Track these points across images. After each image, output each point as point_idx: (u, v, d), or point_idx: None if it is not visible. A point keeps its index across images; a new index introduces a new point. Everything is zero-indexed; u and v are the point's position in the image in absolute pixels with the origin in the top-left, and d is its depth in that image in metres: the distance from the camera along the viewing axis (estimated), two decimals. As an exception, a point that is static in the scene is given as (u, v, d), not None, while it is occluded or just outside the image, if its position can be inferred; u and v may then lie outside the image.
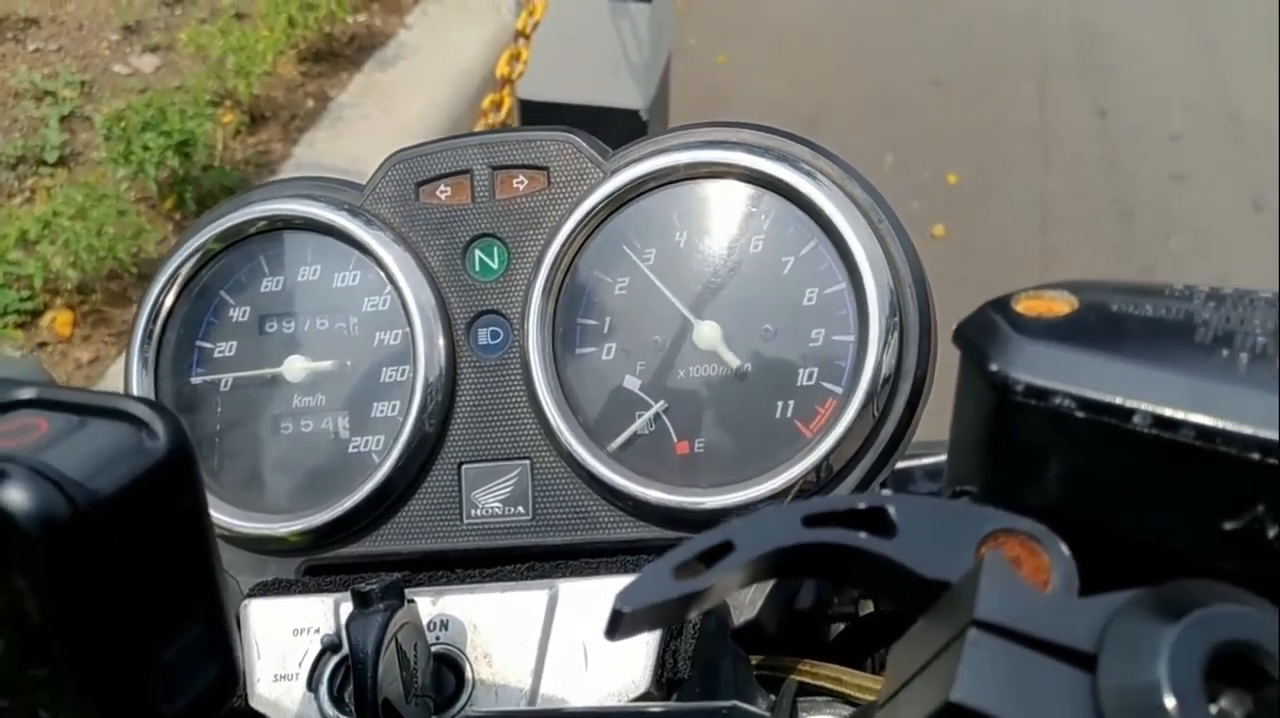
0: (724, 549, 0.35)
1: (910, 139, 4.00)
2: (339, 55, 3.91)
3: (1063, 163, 4.08)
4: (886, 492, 0.91)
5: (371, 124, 3.57)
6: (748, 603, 0.70)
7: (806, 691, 0.68)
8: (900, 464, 1.09)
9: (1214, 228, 3.80)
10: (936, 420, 0.79)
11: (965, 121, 4.21)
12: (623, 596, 0.34)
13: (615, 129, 3.00)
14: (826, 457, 0.69)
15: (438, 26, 4.11)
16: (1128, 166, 4.09)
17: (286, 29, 3.70)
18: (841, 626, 0.87)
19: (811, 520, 0.36)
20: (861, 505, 0.36)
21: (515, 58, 2.52)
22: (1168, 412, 0.36)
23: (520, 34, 2.52)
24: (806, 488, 0.70)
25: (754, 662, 0.70)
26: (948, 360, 0.76)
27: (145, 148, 3.03)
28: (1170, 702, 0.30)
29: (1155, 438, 0.36)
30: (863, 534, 0.36)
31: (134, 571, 0.36)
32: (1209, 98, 4.43)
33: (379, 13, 4.17)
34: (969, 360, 0.40)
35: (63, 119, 3.41)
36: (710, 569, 0.35)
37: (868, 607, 0.93)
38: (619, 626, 0.35)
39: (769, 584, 0.70)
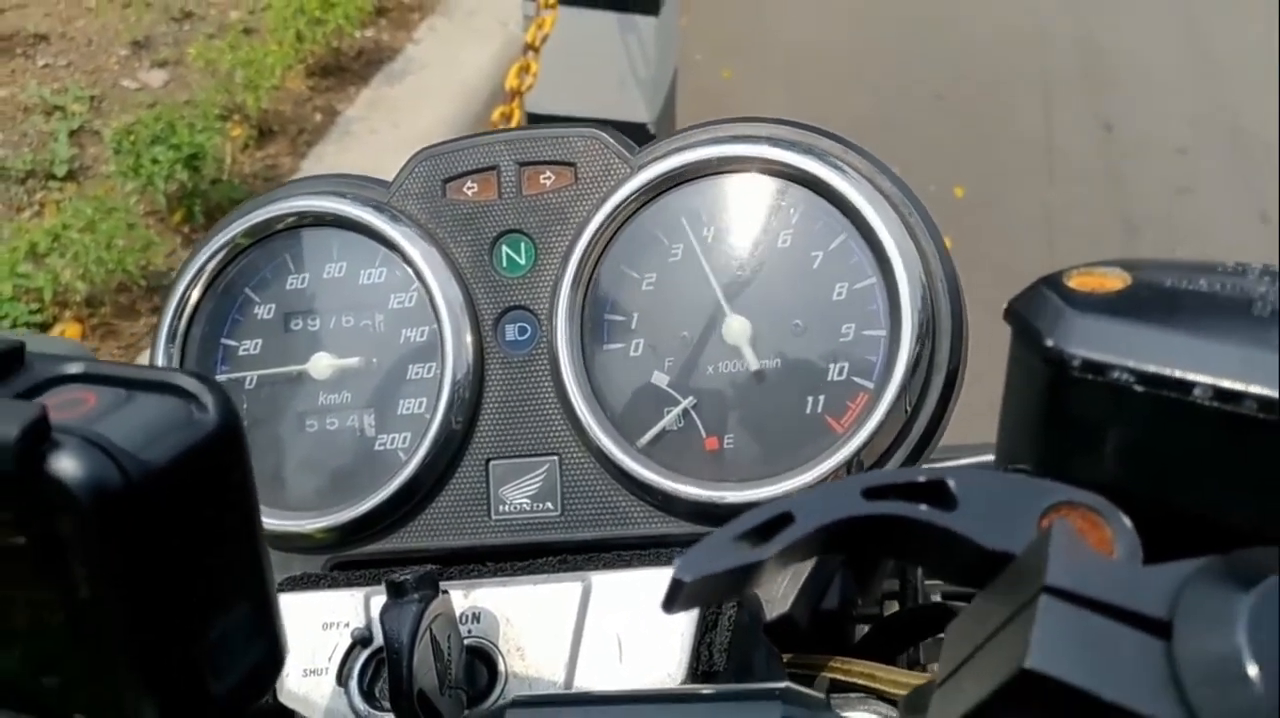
0: (784, 521, 0.35)
1: (916, 153, 3.99)
2: (347, 70, 3.92)
3: (1068, 176, 4.07)
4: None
5: (379, 138, 3.57)
6: (780, 598, 0.69)
7: (838, 687, 0.67)
8: (957, 465, 1.09)
9: (1220, 240, 3.80)
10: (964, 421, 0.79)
11: (970, 135, 4.21)
12: (683, 565, 0.34)
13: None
14: (858, 452, 0.69)
15: (445, 42, 4.12)
16: (1133, 180, 4.09)
17: (295, 44, 3.70)
18: (866, 627, 0.86)
19: (872, 493, 0.35)
20: (921, 479, 0.36)
21: (524, 70, 2.52)
22: (1229, 384, 0.36)
23: (529, 47, 2.52)
24: None
25: (784, 658, 0.70)
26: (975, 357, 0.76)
27: (154, 161, 3.03)
28: (1253, 669, 0.30)
29: (1216, 411, 0.36)
30: (923, 507, 0.35)
31: (183, 544, 0.35)
32: (1213, 112, 4.43)
33: (387, 28, 4.18)
34: (1022, 337, 0.40)
35: (72, 133, 3.41)
36: (770, 540, 0.34)
37: (892, 607, 0.92)
38: (678, 596, 0.34)
39: (802, 578, 0.70)
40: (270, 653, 0.38)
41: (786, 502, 0.35)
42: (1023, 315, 0.40)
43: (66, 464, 0.32)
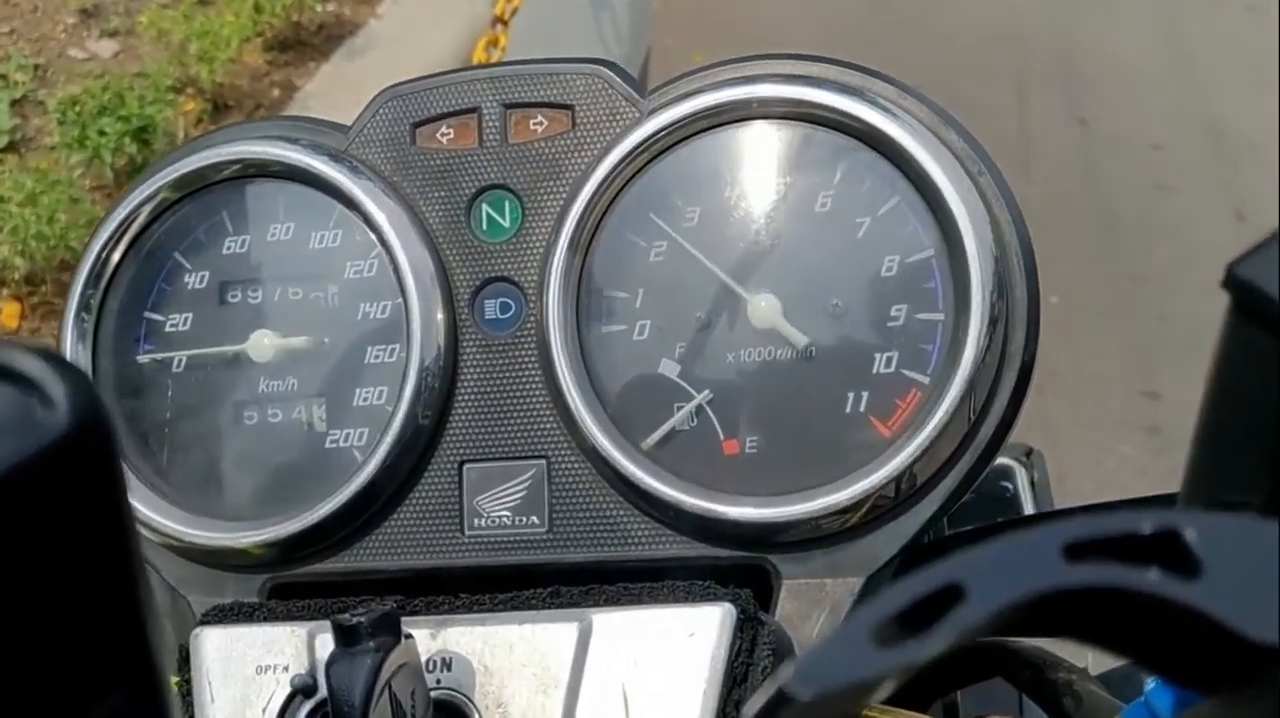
0: (950, 598, 0.22)
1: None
2: (307, 44, 3.83)
3: (1044, 172, 4.09)
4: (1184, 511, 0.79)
5: (339, 115, 3.42)
6: (814, 637, 0.59)
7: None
8: (1200, 513, 0.99)
9: (1198, 237, 3.82)
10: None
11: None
12: (805, 673, 0.21)
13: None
14: (912, 464, 0.58)
15: (409, 17, 4.02)
16: (1109, 176, 4.12)
17: (253, 15, 3.61)
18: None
19: (1076, 551, 0.23)
20: (1147, 529, 0.24)
21: (493, 44, 2.46)
22: None
23: (499, 20, 2.46)
24: (883, 502, 0.59)
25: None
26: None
27: (101, 133, 2.95)
28: None
29: None
30: (1153, 573, 0.23)
31: (18, 609, 0.23)
32: (1189, 108, 4.47)
33: (349, 2, 4.07)
34: (1250, 313, 0.28)
35: (14, 103, 3.31)
36: (932, 631, 0.22)
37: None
38: (781, 711, 0.22)
39: (840, 615, 0.59)
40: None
41: (951, 567, 0.23)
42: (1252, 283, 0.28)
43: None
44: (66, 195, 2.83)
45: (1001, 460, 1.05)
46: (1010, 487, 1.24)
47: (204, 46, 3.41)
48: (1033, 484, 1.23)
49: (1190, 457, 0.31)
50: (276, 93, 3.61)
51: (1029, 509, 1.19)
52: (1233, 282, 0.29)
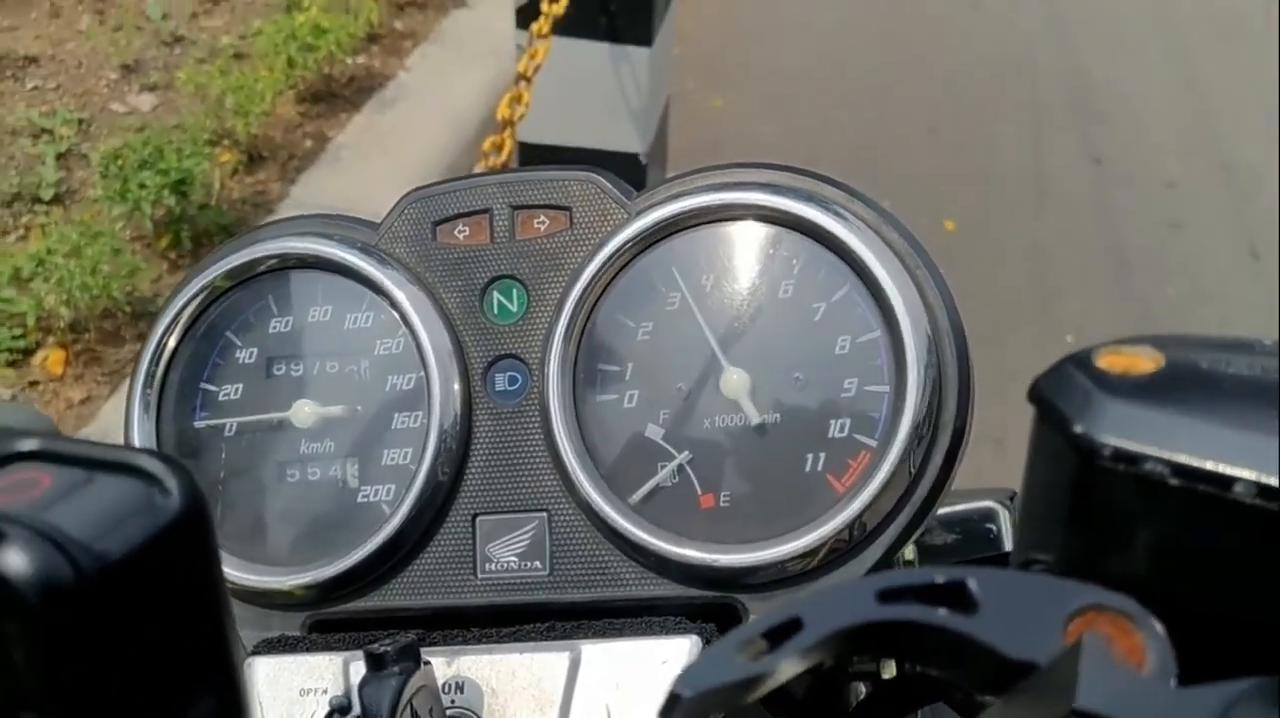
0: (792, 628, 0.32)
1: (906, 185, 3.99)
2: (338, 96, 3.90)
3: (1059, 210, 4.08)
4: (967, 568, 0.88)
5: (369, 165, 3.55)
6: None
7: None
8: (980, 569, 1.06)
9: (1212, 275, 3.80)
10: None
11: (961, 168, 4.22)
12: (684, 679, 0.31)
13: (614, 172, 2.99)
14: (860, 514, 0.66)
15: (437, 69, 4.11)
16: (1123, 214, 4.09)
17: (286, 69, 3.69)
18: (860, 684, 0.84)
19: (886, 596, 0.33)
20: (940, 579, 0.33)
21: (516, 100, 2.51)
22: (1273, 481, 0.33)
23: (521, 77, 2.51)
24: (838, 546, 0.67)
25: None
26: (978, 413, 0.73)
27: (142, 186, 3.01)
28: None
29: (1259, 509, 0.33)
30: (942, 611, 0.33)
31: (140, 642, 0.33)
32: (1203, 146, 4.44)
33: (378, 55, 4.16)
34: (1048, 421, 0.37)
35: (59, 156, 3.39)
36: (777, 649, 0.32)
37: (889, 667, 0.90)
38: (675, 710, 0.32)
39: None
40: (237, 755, 0.36)
41: (794, 605, 0.32)
42: (1049, 398, 0.37)
43: (14, 559, 0.30)
44: (109, 246, 2.88)
45: (986, 503, 1.14)
46: (994, 528, 1.32)
47: (239, 100, 3.48)
48: (1014, 526, 1.31)
49: (1019, 526, 0.40)
50: (309, 144, 3.68)
51: (1009, 548, 1.27)
52: (1033, 395, 0.38)
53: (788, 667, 0.32)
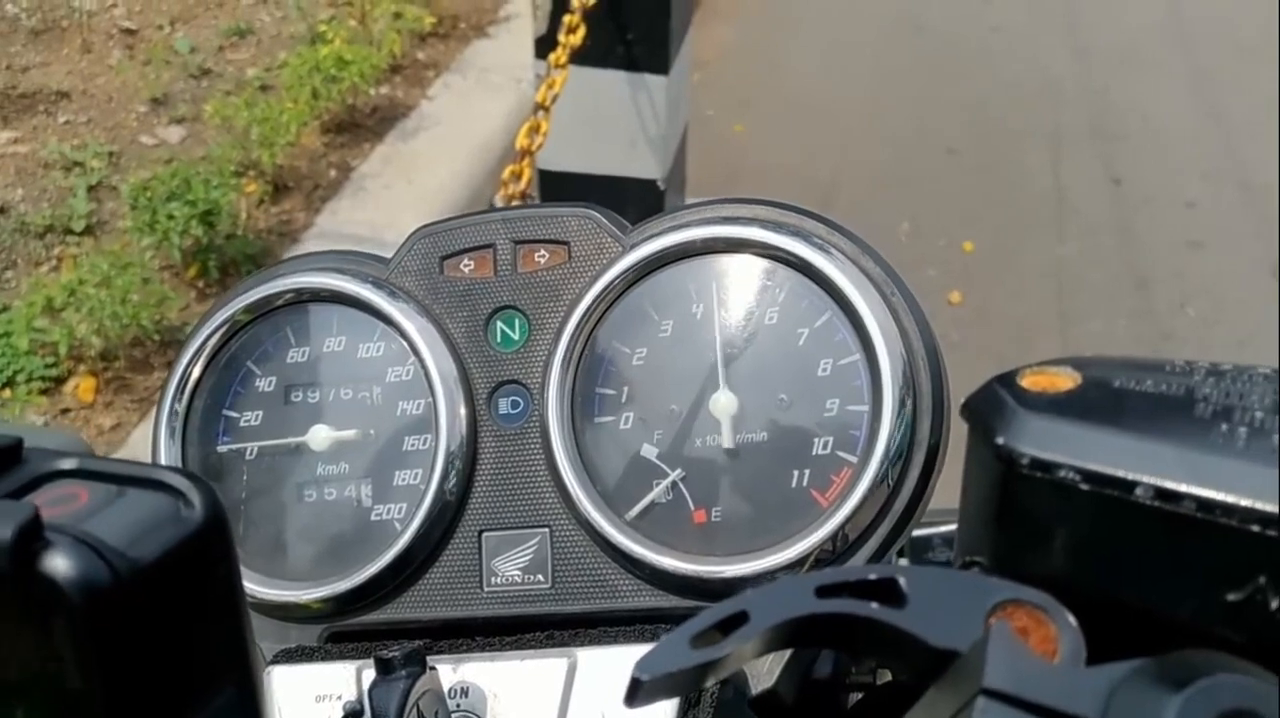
0: (739, 619, 0.36)
1: (926, 207, 4.03)
2: (362, 126, 3.97)
3: (1078, 231, 4.10)
4: (902, 562, 0.92)
5: (393, 194, 3.62)
6: (765, 672, 0.70)
7: (824, 759, 0.68)
8: (917, 532, 1.10)
9: (1232, 295, 3.80)
10: (954, 489, 0.80)
11: (980, 190, 4.25)
12: (641, 664, 0.35)
13: (633, 199, 3.04)
14: (842, 526, 0.70)
15: (459, 99, 4.17)
16: (1143, 234, 4.10)
17: (310, 101, 3.76)
18: (859, 695, 0.87)
19: (824, 591, 0.37)
20: (873, 576, 0.37)
21: (535, 130, 2.55)
22: (1169, 484, 0.37)
23: (540, 106, 2.56)
24: (823, 557, 0.71)
25: (772, 733, 0.71)
26: (961, 430, 0.77)
27: (170, 217, 3.08)
28: (1177, 771, 0.31)
29: (1157, 510, 0.38)
30: (874, 604, 0.37)
31: (171, 635, 0.37)
32: (1223, 166, 4.45)
33: (401, 85, 4.24)
34: (976, 434, 0.42)
35: (90, 189, 3.47)
36: (726, 639, 0.36)
37: (885, 676, 0.93)
38: (637, 693, 0.36)
39: (786, 654, 0.71)
40: (254, 739, 0.40)
41: (741, 600, 0.37)
42: (977, 412, 0.42)
43: (59, 563, 0.34)
44: (138, 276, 2.95)
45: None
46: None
47: (265, 131, 3.55)
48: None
49: (957, 528, 0.44)
50: (333, 173, 3.75)
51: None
52: (964, 411, 0.42)
53: (736, 655, 0.36)
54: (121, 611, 0.35)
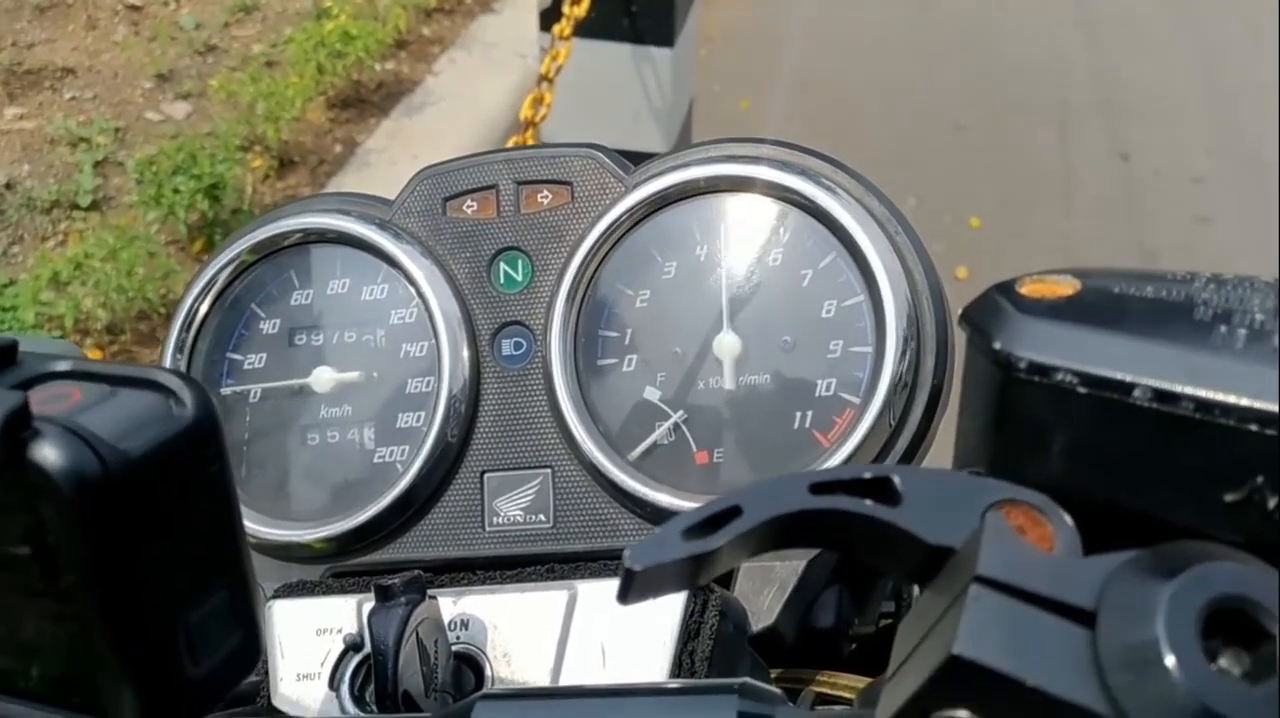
0: (732, 513, 0.36)
1: (933, 183, 4.02)
2: (367, 102, 3.97)
3: (1085, 206, 4.08)
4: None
5: (398, 169, 3.61)
6: (765, 609, 0.70)
7: (825, 700, 0.68)
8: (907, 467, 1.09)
9: (1241, 270, 3.77)
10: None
11: (987, 165, 4.23)
12: (633, 554, 0.35)
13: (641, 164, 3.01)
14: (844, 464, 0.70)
15: (464, 74, 4.16)
16: (1151, 209, 4.09)
17: (316, 76, 3.76)
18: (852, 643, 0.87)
19: (818, 488, 0.37)
20: (867, 474, 0.37)
21: (539, 101, 2.55)
22: (1167, 385, 0.37)
23: (544, 78, 2.55)
24: None
25: (773, 673, 0.71)
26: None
27: (175, 191, 3.08)
28: (1169, 658, 0.31)
29: (1155, 411, 0.37)
30: (868, 502, 0.37)
31: (161, 532, 0.37)
32: (1231, 141, 4.43)
33: (407, 60, 4.23)
34: (973, 341, 0.41)
35: (96, 164, 3.47)
36: (718, 532, 0.36)
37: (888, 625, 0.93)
38: (630, 586, 0.36)
39: (787, 590, 0.71)
40: (247, 640, 0.40)
41: (735, 495, 0.36)
42: (974, 320, 0.41)
43: (48, 453, 0.34)
44: (144, 250, 2.96)
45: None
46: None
47: (270, 107, 3.55)
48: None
49: (955, 438, 0.44)
50: (339, 149, 3.74)
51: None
52: (962, 319, 0.42)
53: (729, 552, 0.36)
54: (111, 502, 0.35)
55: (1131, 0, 5.36)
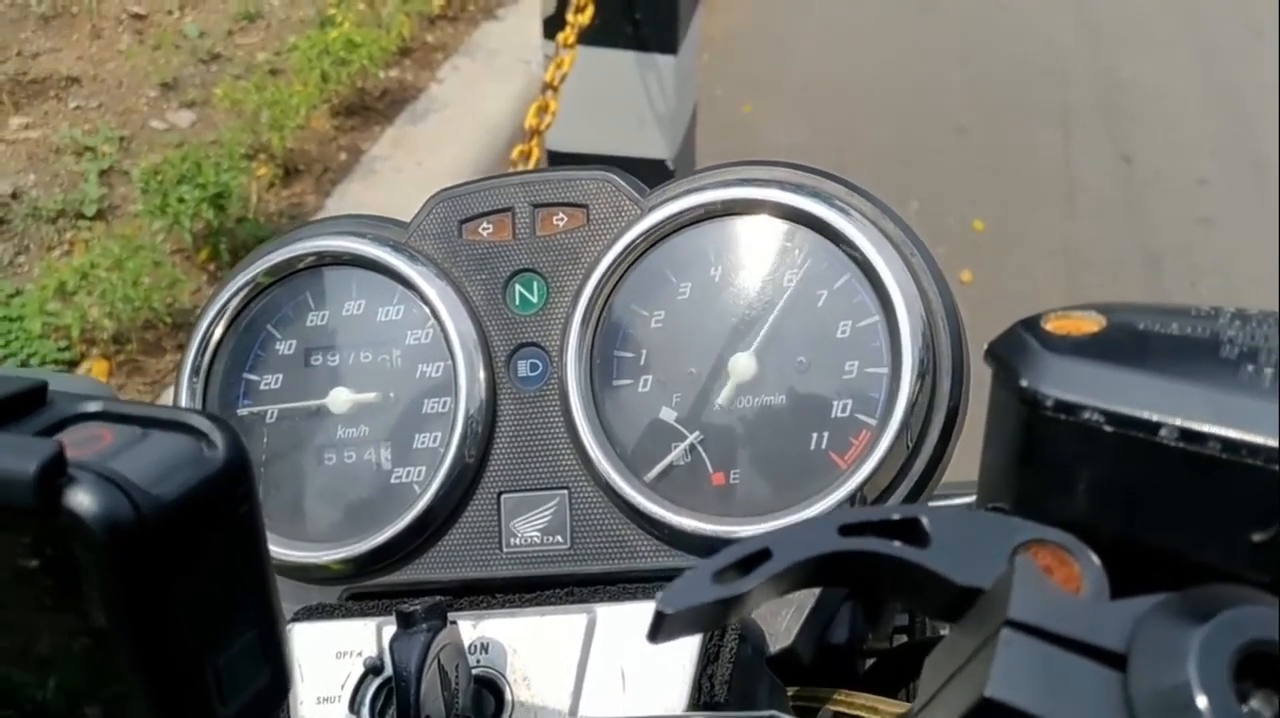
0: (762, 557, 0.36)
1: (936, 186, 4.02)
2: (371, 109, 3.97)
3: (1088, 208, 4.08)
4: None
5: (403, 176, 3.62)
6: (783, 631, 0.70)
7: (840, 720, 0.68)
8: (934, 504, 1.10)
9: (1244, 271, 3.79)
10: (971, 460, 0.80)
11: (990, 168, 4.23)
12: (664, 598, 0.35)
13: (642, 179, 3.02)
14: (860, 487, 0.70)
15: (468, 81, 4.17)
16: (1154, 212, 4.09)
17: (320, 84, 3.76)
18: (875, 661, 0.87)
19: (848, 530, 0.37)
20: (896, 516, 0.37)
21: (543, 109, 2.55)
22: (1194, 425, 0.37)
23: (548, 86, 2.55)
24: None
25: (790, 692, 0.71)
26: (979, 395, 0.77)
27: (181, 200, 3.09)
28: (1201, 701, 0.31)
29: (1182, 451, 0.37)
30: (897, 543, 0.37)
31: (192, 574, 0.37)
32: (1234, 142, 4.42)
33: (411, 68, 4.23)
34: (1000, 377, 0.42)
35: (101, 173, 3.47)
36: (748, 575, 0.36)
37: (902, 643, 0.93)
38: (660, 627, 0.36)
39: (804, 612, 0.71)
40: (275, 678, 0.40)
41: (765, 537, 0.37)
42: (1001, 356, 0.41)
43: (83, 499, 0.34)
44: (150, 260, 2.96)
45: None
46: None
47: (274, 115, 3.55)
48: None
49: (979, 474, 0.44)
50: (343, 156, 3.75)
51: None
52: (988, 355, 0.42)
53: (758, 593, 0.36)
54: (144, 548, 0.35)
55: (1133, 2, 5.36)
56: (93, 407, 0.39)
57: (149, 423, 0.38)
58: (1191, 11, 5.24)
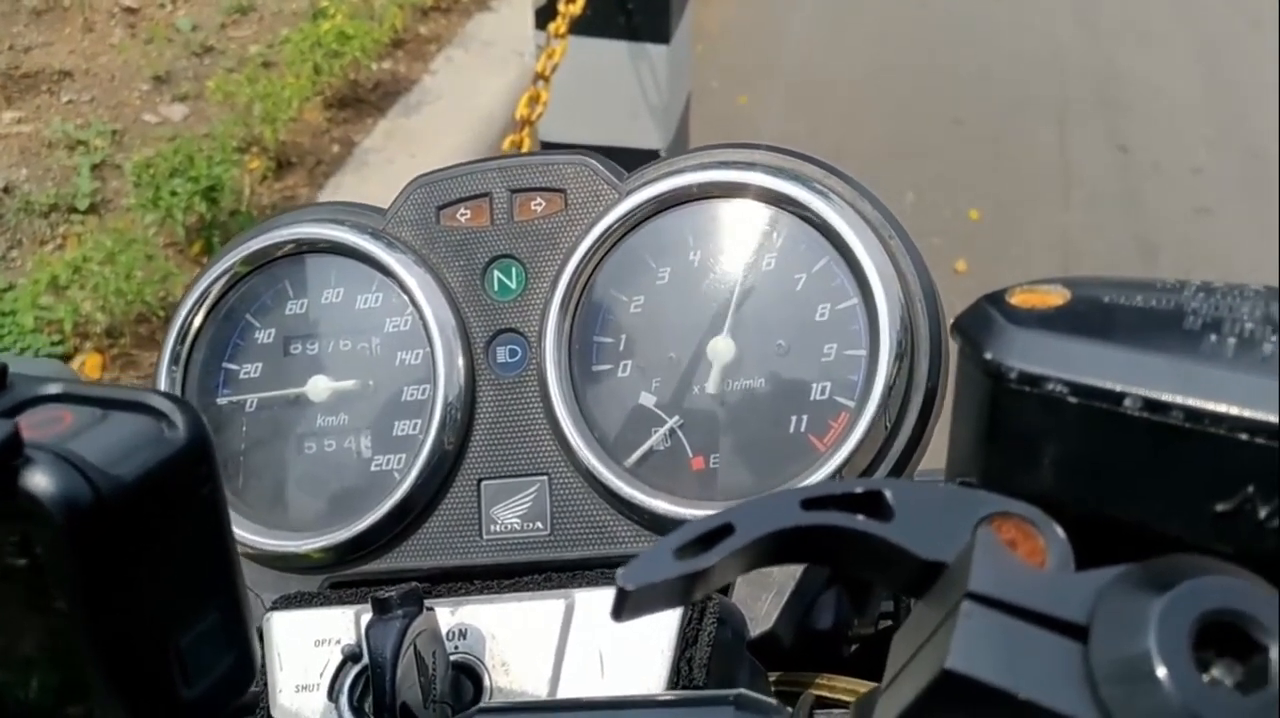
0: (724, 532, 0.36)
1: (931, 177, 4.02)
2: (364, 101, 3.97)
3: (1084, 198, 4.08)
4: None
5: (395, 168, 3.61)
6: (763, 615, 0.70)
7: (824, 704, 0.68)
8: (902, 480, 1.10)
9: (1240, 260, 3.78)
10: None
11: (986, 159, 4.23)
12: (625, 574, 0.35)
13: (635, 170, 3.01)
14: (839, 469, 0.70)
15: (461, 73, 4.16)
16: (1150, 201, 4.08)
17: (312, 76, 3.75)
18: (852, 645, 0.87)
19: (810, 504, 0.37)
20: (859, 489, 0.37)
21: (535, 100, 2.54)
22: (1157, 394, 0.37)
23: (540, 76, 2.55)
24: None
25: (772, 678, 0.71)
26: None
27: (173, 194, 3.08)
28: (1161, 671, 0.31)
29: (1145, 421, 0.37)
30: (860, 517, 0.37)
31: (153, 556, 0.37)
32: (1229, 132, 4.42)
33: (403, 60, 4.22)
34: (965, 351, 0.41)
35: (94, 167, 3.46)
36: (710, 550, 0.36)
37: (887, 627, 0.93)
38: (624, 605, 0.36)
39: (785, 596, 0.71)
40: (241, 661, 0.40)
41: (728, 513, 0.36)
42: (966, 330, 0.41)
43: (39, 480, 0.34)
44: (142, 253, 2.96)
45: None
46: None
47: (267, 108, 3.54)
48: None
49: (948, 449, 0.44)
50: (336, 149, 3.74)
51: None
52: (954, 329, 0.42)
53: (721, 569, 0.36)
54: (103, 528, 0.35)
55: (1128, -9, 5.36)
56: (52, 389, 0.38)
57: (109, 404, 0.38)
58: (1188, 2, 5.24)
